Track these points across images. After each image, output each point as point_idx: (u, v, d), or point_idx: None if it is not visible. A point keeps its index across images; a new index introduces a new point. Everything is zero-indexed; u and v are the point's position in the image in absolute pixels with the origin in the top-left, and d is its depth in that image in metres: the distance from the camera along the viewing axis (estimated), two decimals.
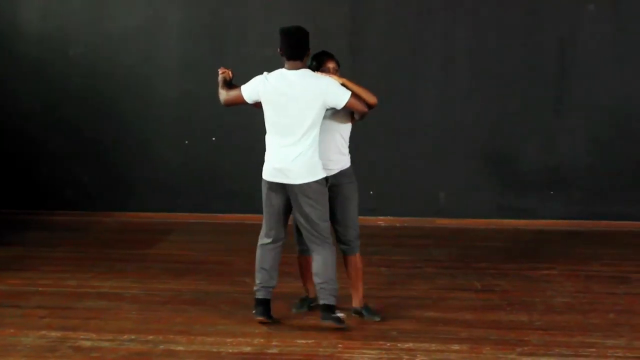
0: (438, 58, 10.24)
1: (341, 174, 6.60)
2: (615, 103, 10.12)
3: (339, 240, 6.70)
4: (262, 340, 6.21)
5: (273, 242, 6.57)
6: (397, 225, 10.25)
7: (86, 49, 10.57)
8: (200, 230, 10.01)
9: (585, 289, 7.60)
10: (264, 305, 6.52)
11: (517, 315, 6.83)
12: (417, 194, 10.38)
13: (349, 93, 6.22)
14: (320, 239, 6.39)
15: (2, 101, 10.67)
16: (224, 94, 6.48)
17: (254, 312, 6.55)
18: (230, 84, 6.62)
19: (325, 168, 6.36)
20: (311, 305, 6.88)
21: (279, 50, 6.37)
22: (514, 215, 10.24)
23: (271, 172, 6.34)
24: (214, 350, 6.02)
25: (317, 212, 6.31)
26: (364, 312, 6.70)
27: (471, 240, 9.58)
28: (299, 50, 6.32)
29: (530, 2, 10.11)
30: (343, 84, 6.29)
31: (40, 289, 7.55)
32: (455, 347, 6.10)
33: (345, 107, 6.29)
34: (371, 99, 6.35)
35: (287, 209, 6.47)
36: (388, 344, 6.14)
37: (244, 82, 10.14)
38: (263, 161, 10.01)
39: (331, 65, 6.58)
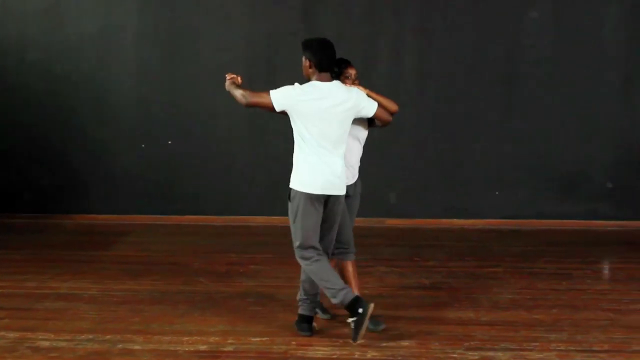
0: (387, 61, 10.28)
1: (358, 181, 6.58)
2: (558, 106, 10.24)
3: (340, 244, 6.47)
4: (217, 338, 6.17)
5: (318, 254, 6.17)
6: None
7: (44, 54, 10.46)
8: (157, 232, 9.95)
9: (529, 285, 7.66)
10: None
11: (464, 311, 6.86)
12: (368, 195, 10.36)
13: (376, 104, 6.17)
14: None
15: None
16: (247, 96, 6.07)
17: (362, 311, 5.98)
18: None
19: (347, 176, 6.29)
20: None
21: (307, 61, 6.09)
22: (461, 215, 10.31)
23: (323, 184, 6.01)
24: (171, 348, 5.97)
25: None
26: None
27: (420, 239, 9.63)
28: (333, 62, 6.17)
29: (479, 8, 10.18)
30: (368, 94, 6.22)
31: None
32: (405, 342, 6.11)
33: (373, 117, 6.23)
34: (393, 106, 6.31)
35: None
36: (340, 341, 6.14)
37: (201, 88, 10.30)
38: (220, 164, 10.04)
39: (352, 71, 6.42)
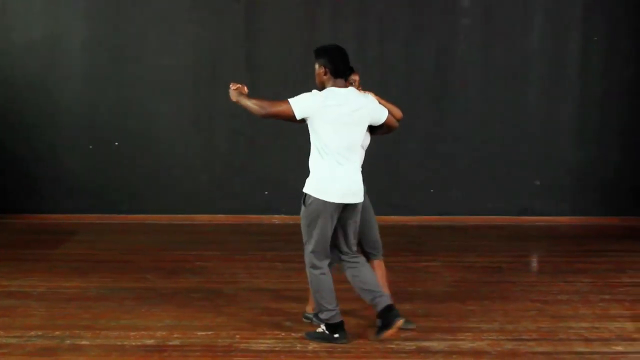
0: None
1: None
2: (488, 108, 10.34)
3: (369, 246, 6.40)
4: (164, 333, 6.13)
5: (330, 264, 6.05)
6: (291, 222, 10.24)
7: None
8: (104, 231, 9.84)
9: (462, 278, 7.73)
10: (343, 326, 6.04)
11: (401, 304, 6.85)
12: None
13: (386, 110, 6.05)
14: (354, 249, 6.13)
15: None
16: (266, 106, 5.81)
17: (337, 336, 5.98)
18: None
19: None
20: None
21: (322, 68, 5.90)
22: (398, 212, 10.36)
23: (342, 193, 5.83)
24: (118, 343, 5.92)
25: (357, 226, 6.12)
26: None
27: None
28: (347, 68, 5.99)
29: (412, 14, 10.25)
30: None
31: None
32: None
33: (382, 124, 6.08)
34: (398, 113, 6.17)
35: None
36: (282, 334, 6.14)
37: (146, 91, 10.22)
38: (165, 164, 9.97)
39: (356, 78, 6.30)
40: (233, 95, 6.03)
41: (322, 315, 6.00)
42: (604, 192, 10.49)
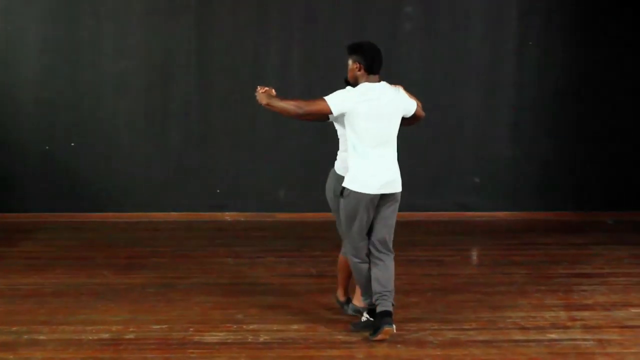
0: (276, 68, 10.28)
1: None
2: (428, 107, 10.37)
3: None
4: (119, 327, 6.09)
5: (365, 257, 5.97)
6: (242, 219, 10.24)
7: None
8: (61, 229, 9.71)
9: (406, 272, 7.74)
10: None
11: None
12: (260, 191, 10.40)
13: (415, 103, 6.02)
14: (390, 246, 6.05)
15: None
16: (303, 106, 5.75)
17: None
18: None
19: None
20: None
21: (356, 64, 5.87)
22: None
23: (380, 184, 5.80)
24: (75, 337, 5.87)
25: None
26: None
27: (307, 231, 9.66)
28: (381, 64, 5.91)
29: (355, 20, 10.28)
30: None
31: None
32: (294, 327, 6.14)
33: (413, 115, 6.07)
34: (420, 104, 6.14)
35: None
36: (235, 326, 6.14)
37: (101, 92, 10.12)
38: (120, 163, 9.88)
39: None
40: (262, 98, 5.87)
41: (368, 300, 5.97)
42: (539, 189, 10.62)
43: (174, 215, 10.20)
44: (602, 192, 10.58)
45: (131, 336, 5.92)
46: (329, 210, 10.64)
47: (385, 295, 5.87)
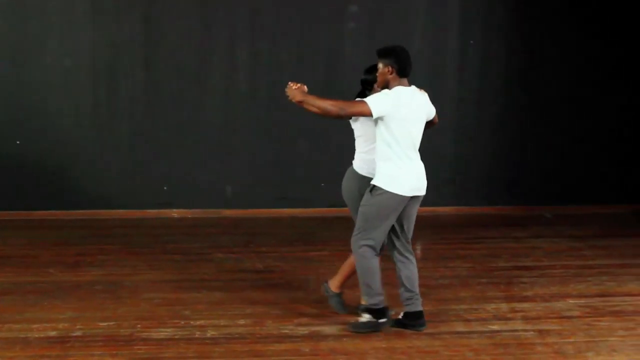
0: (221, 66, 10.25)
1: None
2: None
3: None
4: (66, 324, 6.02)
5: (380, 253, 5.99)
6: (189, 216, 10.19)
7: None
8: (7, 228, 9.53)
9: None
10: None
11: (294, 291, 6.93)
12: (206, 188, 10.35)
13: (434, 108, 6.05)
14: (410, 247, 6.08)
15: None
16: (345, 107, 5.70)
17: (385, 321, 5.97)
18: None
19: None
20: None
21: (387, 68, 5.83)
22: (290, 204, 10.39)
23: (412, 186, 5.81)
24: (22, 336, 5.79)
25: None
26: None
27: (254, 228, 9.65)
28: (411, 67, 5.91)
29: (302, 19, 10.29)
30: None
31: None
32: (242, 322, 6.13)
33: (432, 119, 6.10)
34: None
35: None
36: (182, 322, 6.10)
37: (47, 90, 9.98)
38: (65, 161, 9.73)
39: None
40: (297, 95, 5.83)
41: (372, 300, 5.93)
42: (481, 184, 10.73)
43: (121, 213, 10.10)
44: (541, 187, 10.73)
45: (78, 333, 5.86)
46: (274, 207, 10.75)
47: (417, 296, 5.99)
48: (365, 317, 5.99)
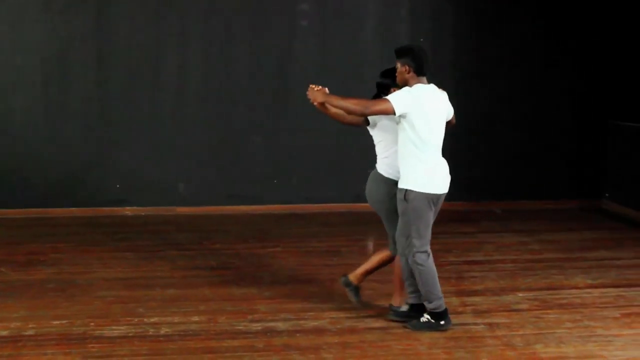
0: (174, 64, 10.20)
1: None
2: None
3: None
4: (18, 324, 5.93)
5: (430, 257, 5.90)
6: (142, 214, 10.11)
7: None
8: None
9: (305, 262, 7.81)
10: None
11: (248, 288, 6.92)
12: (159, 186, 10.28)
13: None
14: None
15: None
16: (368, 105, 5.64)
17: (444, 323, 5.90)
18: None
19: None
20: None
21: (405, 67, 5.74)
22: (243, 202, 10.37)
23: (441, 183, 5.83)
24: None
25: None
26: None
27: (207, 225, 9.61)
28: (429, 65, 5.83)
29: (254, 17, 10.27)
30: None
31: None
32: (195, 318, 6.10)
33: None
34: None
35: None
36: (135, 320, 6.06)
37: (2, 90, 9.85)
38: (17, 159, 9.61)
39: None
40: (318, 97, 5.80)
41: (431, 305, 5.86)
42: None
43: (73, 211, 9.99)
44: (490, 183, 10.82)
45: (31, 332, 5.78)
46: (227, 204, 10.71)
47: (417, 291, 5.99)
48: (425, 317, 5.95)
